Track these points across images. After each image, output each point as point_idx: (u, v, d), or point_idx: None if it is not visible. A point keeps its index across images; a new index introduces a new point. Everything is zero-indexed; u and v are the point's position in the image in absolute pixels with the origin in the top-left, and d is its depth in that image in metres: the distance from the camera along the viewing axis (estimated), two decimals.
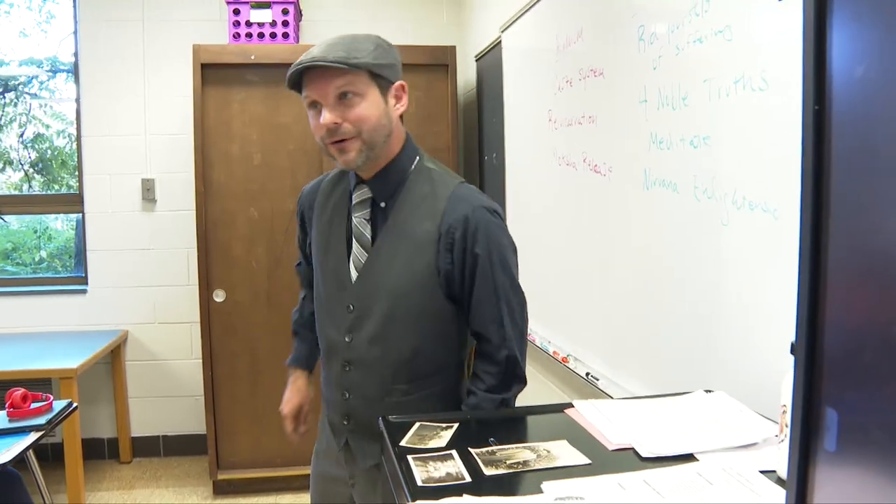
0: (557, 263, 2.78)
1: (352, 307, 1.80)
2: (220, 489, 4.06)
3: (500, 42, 3.49)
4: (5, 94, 4.95)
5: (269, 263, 3.99)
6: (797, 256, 0.67)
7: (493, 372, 1.76)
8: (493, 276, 1.74)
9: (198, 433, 4.49)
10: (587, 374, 2.40)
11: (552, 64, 2.74)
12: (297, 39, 4.19)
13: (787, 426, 1.06)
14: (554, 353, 2.75)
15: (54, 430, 2.95)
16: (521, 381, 1.82)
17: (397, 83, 1.75)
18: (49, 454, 4.44)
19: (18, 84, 4.92)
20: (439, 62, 3.97)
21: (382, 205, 1.79)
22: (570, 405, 1.44)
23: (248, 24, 4.06)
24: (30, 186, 4.99)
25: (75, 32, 4.55)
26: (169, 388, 4.63)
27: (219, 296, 3.98)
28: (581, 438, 1.28)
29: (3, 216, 4.79)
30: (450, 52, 3.97)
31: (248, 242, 3.98)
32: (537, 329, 3.03)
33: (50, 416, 2.78)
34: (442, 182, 1.79)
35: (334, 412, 1.90)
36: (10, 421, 2.75)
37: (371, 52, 1.66)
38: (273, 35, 4.07)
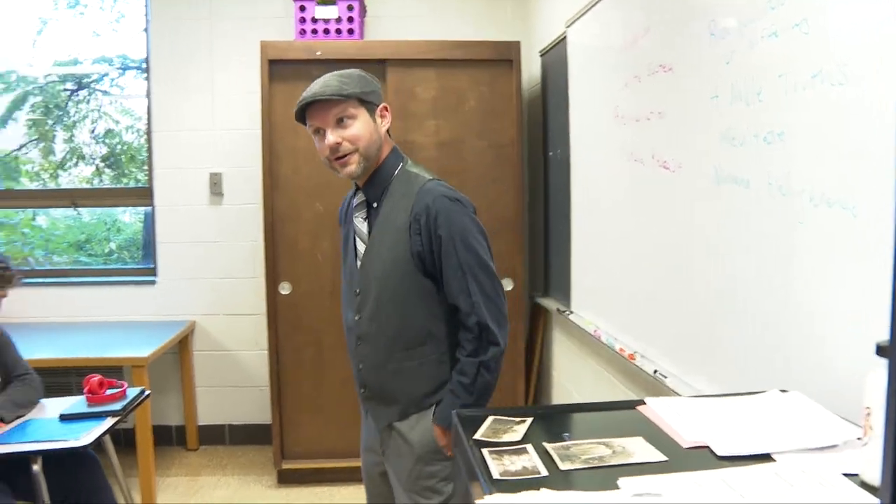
0: (624, 260, 2.77)
1: (358, 291, 2.20)
2: (284, 478, 4.13)
3: (565, 37, 3.48)
4: (78, 92, 5.11)
5: (334, 256, 4.04)
6: (882, 255, 0.66)
7: (469, 338, 2.09)
8: (457, 254, 2.07)
9: (262, 423, 4.58)
10: (655, 371, 2.39)
11: (619, 59, 2.73)
12: (361, 35, 4.23)
13: (871, 428, 1.04)
14: (620, 350, 2.73)
15: (127, 416, 3.05)
16: (496, 345, 2.09)
17: (381, 105, 2.16)
18: (122, 439, 4.56)
19: (91, 82, 5.06)
20: (503, 57, 3.97)
21: (374, 205, 2.18)
22: (642, 402, 1.44)
23: (314, 20, 4.11)
24: (100, 180, 5.13)
25: (147, 30, 4.67)
26: (235, 378, 4.73)
27: (284, 288, 4.04)
28: (655, 435, 1.28)
29: (77, 208, 4.93)
30: (514, 47, 3.97)
31: (313, 236, 4.04)
32: (603, 325, 3.03)
33: (125, 402, 2.87)
34: (416, 180, 2.15)
35: (356, 384, 2.29)
36: (88, 406, 2.85)
37: (357, 84, 2.08)
38: (338, 31, 4.12)
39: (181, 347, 4.62)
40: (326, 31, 4.12)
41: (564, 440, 1.25)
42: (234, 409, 4.75)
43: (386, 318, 2.15)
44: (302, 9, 4.11)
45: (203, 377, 4.73)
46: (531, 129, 4.38)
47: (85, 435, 2.59)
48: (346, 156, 2.08)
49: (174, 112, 4.63)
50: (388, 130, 2.19)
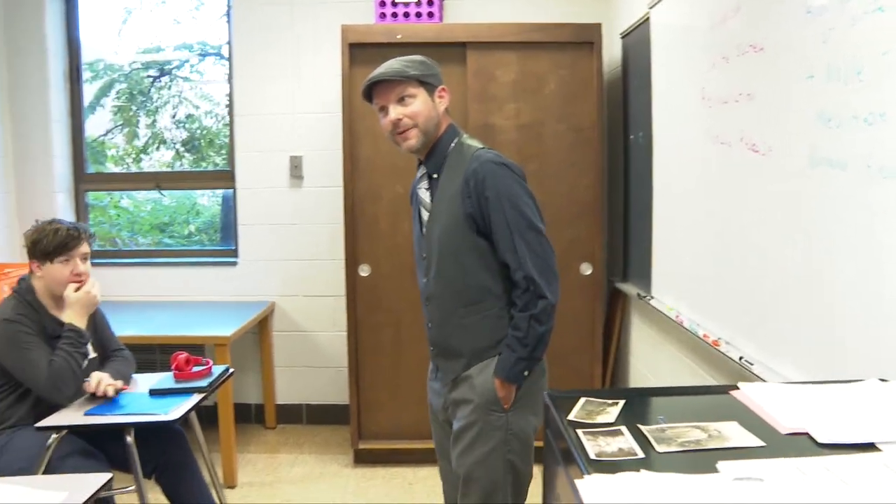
0: (707, 244, 2.72)
1: (424, 255, 2.41)
2: (361, 458, 4.19)
3: (647, 19, 3.42)
4: (161, 78, 5.24)
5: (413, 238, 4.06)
6: None
7: (519, 294, 2.25)
8: (504, 213, 2.23)
9: (340, 403, 4.65)
10: (740, 358, 2.34)
11: (706, 40, 2.67)
12: (441, 18, 4.23)
13: None
14: (704, 336, 2.69)
15: (213, 392, 3.13)
16: (544, 298, 2.24)
17: (440, 87, 2.35)
18: (204, 415, 4.68)
19: (172, 68, 5.18)
20: (584, 40, 3.92)
21: (435, 176, 2.37)
22: (735, 387, 1.41)
23: (394, 3, 4.13)
24: (181, 164, 5.26)
25: (228, 16, 4.75)
26: (313, 358, 4.81)
27: (364, 270, 4.08)
28: (751, 421, 1.25)
29: (161, 191, 5.07)
30: (595, 29, 3.92)
31: (393, 217, 4.06)
32: (685, 311, 2.98)
33: (210, 379, 2.94)
34: (468, 150, 2.33)
35: (428, 342, 2.50)
36: (176, 382, 2.92)
37: (418, 67, 2.29)
38: (419, 14, 4.13)
39: (261, 328, 4.71)
40: (406, 15, 4.14)
41: (659, 423, 1.23)
42: (312, 388, 4.83)
43: (448, 277, 2.34)
44: None
45: (282, 357, 4.82)
46: (611, 112, 4.32)
47: (173, 410, 2.66)
48: (406, 130, 2.29)
49: (255, 96, 4.70)
50: (446, 109, 2.38)
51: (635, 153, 3.78)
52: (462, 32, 3.97)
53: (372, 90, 2.31)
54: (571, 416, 1.29)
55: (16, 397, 2.81)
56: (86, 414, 2.66)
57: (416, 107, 2.28)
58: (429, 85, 2.31)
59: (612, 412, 1.30)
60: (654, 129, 3.38)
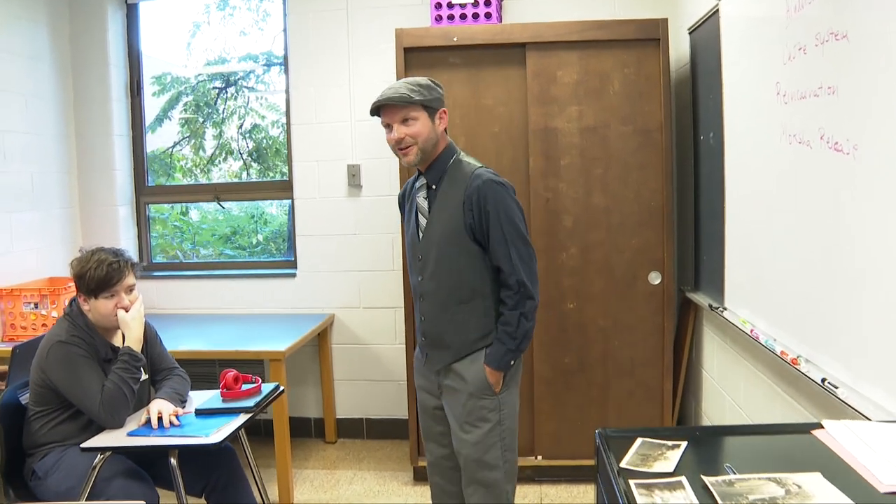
0: (786, 253, 2.50)
1: (420, 256, 2.73)
2: (421, 475, 4.04)
3: (716, 11, 3.20)
4: (227, 89, 5.21)
5: None
6: None
7: (510, 294, 2.61)
8: (501, 226, 2.59)
9: (400, 417, 4.52)
10: (823, 380, 2.12)
11: (781, 30, 2.45)
12: (499, 19, 4.07)
13: None
14: (782, 353, 2.46)
15: (267, 408, 3.06)
16: (531, 299, 2.62)
17: (440, 109, 2.66)
18: (262, 429, 4.63)
19: (238, 79, 5.16)
20: (649, 36, 3.71)
21: (433, 187, 2.70)
22: (819, 426, 1.21)
23: (450, 5, 3.99)
24: (248, 174, 5.23)
25: (284, 25, 4.68)
26: (373, 372, 4.69)
27: None
28: (839, 472, 1.06)
29: (221, 202, 5.03)
30: (661, 25, 3.70)
31: None
32: (761, 325, 2.75)
33: (258, 398, 2.85)
34: (468, 167, 2.67)
35: (419, 334, 2.83)
36: (223, 401, 2.84)
37: (422, 92, 2.59)
38: (475, 16, 3.98)
39: (320, 340, 4.62)
40: (463, 17, 3.99)
41: (727, 473, 1.05)
42: (372, 402, 4.72)
43: (444, 277, 2.67)
44: None
45: (342, 370, 4.72)
46: (680, 112, 4.09)
47: (215, 432, 2.58)
48: (407, 148, 2.61)
49: (313, 105, 4.62)
50: (444, 129, 2.69)
51: (706, 155, 3.55)
52: (521, 32, 3.80)
53: (380, 107, 2.61)
54: (624, 463, 1.12)
55: (67, 416, 2.79)
56: (129, 434, 2.62)
57: (418, 128, 2.59)
58: (430, 108, 2.62)
59: (672, 457, 1.12)
60: (725, 130, 3.16)
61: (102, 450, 2.56)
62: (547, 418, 3.96)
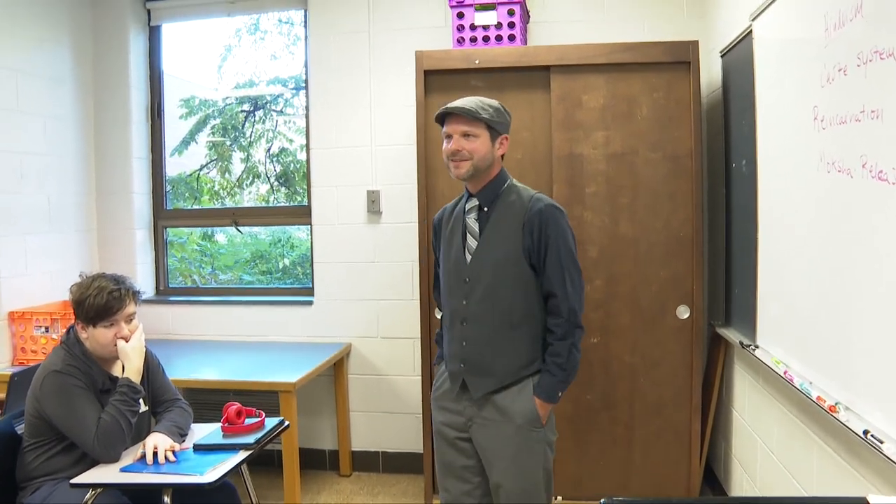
0: (823, 289, 2.32)
1: (467, 279, 2.65)
2: None
3: (749, 32, 3.05)
4: (255, 113, 5.15)
5: None
6: None
7: (559, 323, 2.57)
8: (559, 252, 2.57)
9: (416, 451, 4.37)
10: (865, 432, 1.94)
11: (819, 50, 2.29)
12: (524, 41, 3.95)
13: None
14: (818, 398, 2.28)
15: (279, 438, 2.98)
16: (580, 328, 2.60)
17: (503, 135, 2.65)
18: (274, 460, 4.50)
19: (266, 102, 5.09)
20: (680, 59, 3.56)
21: (485, 209, 2.67)
22: (865, 502, 1.05)
23: (473, 27, 3.87)
24: (275, 198, 5.15)
25: (305, 47, 4.60)
26: (389, 404, 4.54)
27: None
28: None
29: (239, 227, 4.94)
30: (692, 47, 3.55)
31: None
32: (796, 366, 2.57)
33: (260, 434, 2.73)
34: (524, 192, 2.67)
35: (453, 360, 2.69)
36: (223, 437, 2.72)
37: (492, 113, 2.58)
38: (499, 38, 3.86)
39: (336, 370, 4.48)
40: (486, 39, 3.87)
41: None
42: (389, 435, 4.56)
43: (496, 300, 2.60)
44: (460, 15, 3.88)
45: (358, 401, 4.58)
46: (711, 138, 3.93)
47: (211, 470, 2.45)
48: (462, 161, 2.58)
49: (333, 128, 4.52)
50: (502, 155, 2.67)
51: (738, 183, 3.38)
52: (545, 55, 3.67)
53: (445, 116, 2.60)
54: None
55: (61, 448, 2.67)
56: (122, 470, 2.51)
57: (477, 145, 2.57)
58: (494, 131, 2.60)
59: None
60: (759, 157, 2.99)
61: (93, 486, 2.45)
62: (568, 457, 3.77)
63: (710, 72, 3.83)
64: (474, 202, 2.68)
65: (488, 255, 2.62)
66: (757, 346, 3.03)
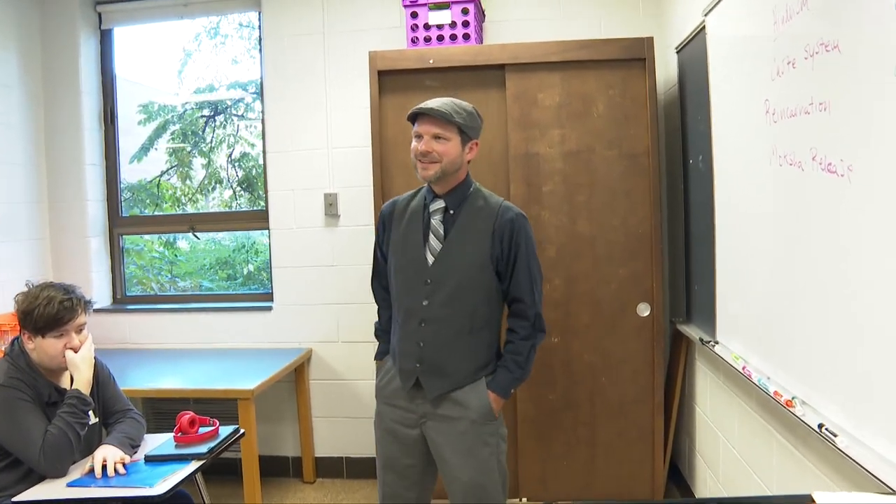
0: (778, 284, 2.31)
1: (429, 281, 2.61)
2: None
3: (703, 28, 3.05)
4: (216, 117, 5.07)
5: None
6: None
7: (525, 325, 2.63)
8: (528, 260, 2.62)
9: None
10: (820, 425, 1.93)
11: (769, 43, 2.29)
12: (479, 40, 3.92)
13: None
14: (775, 393, 2.27)
15: (238, 445, 2.95)
16: (543, 332, 2.67)
17: (473, 141, 2.63)
18: (236, 469, 4.41)
19: (227, 107, 5.02)
20: (635, 56, 3.55)
21: (451, 212, 2.65)
22: (810, 499, 1.02)
23: (427, 27, 3.84)
24: (238, 203, 5.08)
25: (260, 50, 4.54)
26: (352, 408, 4.48)
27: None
28: None
29: (196, 233, 4.86)
30: (647, 44, 3.54)
31: None
32: (754, 361, 2.57)
33: (212, 444, 2.66)
34: (491, 199, 2.69)
35: (407, 358, 2.66)
36: (176, 447, 2.66)
37: (465, 117, 2.56)
38: (453, 37, 3.82)
39: (297, 375, 4.42)
40: (441, 38, 3.84)
41: None
42: (352, 440, 4.50)
43: (461, 305, 2.59)
44: (414, 15, 3.84)
45: (320, 407, 4.52)
46: (669, 135, 3.93)
47: (161, 482, 2.38)
48: (431, 162, 2.55)
49: (288, 131, 4.46)
50: (469, 160, 2.65)
51: (696, 180, 3.38)
52: (500, 53, 3.65)
53: (418, 115, 2.58)
54: None
55: (5, 465, 2.56)
56: (69, 485, 2.42)
57: (447, 148, 2.55)
58: (465, 135, 2.58)
59: None
60: (714, 152, 2.99)
61: (37, 503, 2.35)
62: (531, 459, 3.75)
63: (667, 68, 3.83)
64: (440, 204, 2.65)
65: (454, 260, 2.60)
66: (717, 343, 3.03)
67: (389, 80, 3.70)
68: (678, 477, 3.97)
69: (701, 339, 3.20)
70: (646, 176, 3.60)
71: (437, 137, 2.53)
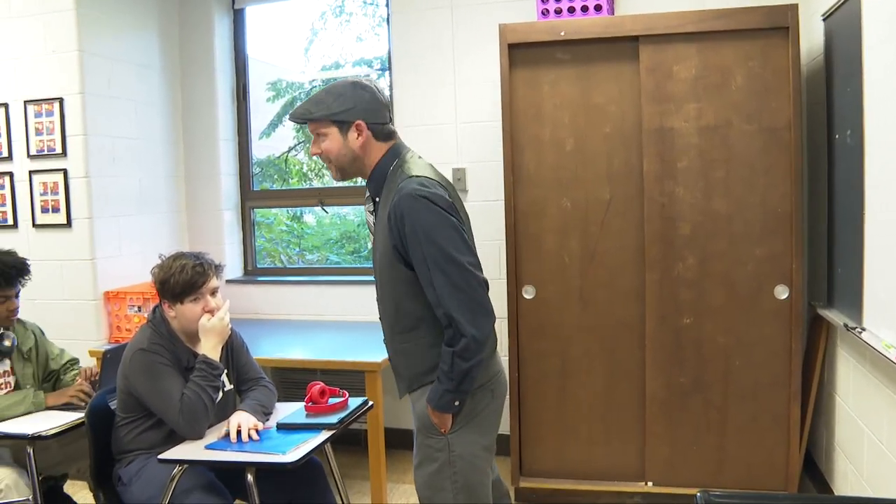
0: None
1: (375, 277, 2.45)
2: (522, 496, 3.82)
3: None
4: None
5: (583, 258, 3.66)
6: None
7: (445, 328, 2.23)
8: (421, 248, 2.20)
9: (503, 433, 4.30)
10: None
11: None
12: (611, 11, 3.81)
13: None
14: None
15: (364, 417, 2.98)
16: (465, 336, 2.18)
17: (355, 122, 2.32)
18: (361, 440, 4.51)
19: None
20: (777, 25, 3.36)
21: (377, 199, 2.42)
22: None
23: None
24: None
25: (388, 26, 4.57)
26: None
27: (528, 292, 3.74)
28: None
29: (324, 207, 4.95)
30: (790, 11, 3.35)
31: (559, 235, 3.69)
32: None
33: (343, 414, 2.71)
34: (400, 177, 2.30)
35: None
36: (307, 416, 2.72)
37: (327, 105, 2.32)
38: (584, 8, 3.74)
39: None
40: (572, 10, 3.75)
41: None
42: None
43: (387, 303, 2.40)
44: None
45: None
46: (811, 108, 3.72)
47: (293, 450, 2.45)
48: (328, 165, 2.42)
49: (416, 107, 4.48)
50: (378, 134, 2.36)
51: (841, 155, 3.19)
52: (633, 25, 3.53)
53: None
54: None
55: (151, 424, 2.74)
56: (206, 448, 2.54)
57: (327, 145, 2.36)
58: (341, 122, 2.34)
59: None
60: (866, 127, 2.81)
61: (178, 462, 2.49)
62: (659, 442, 3.66)
63: (811, 37, 3.62)
64: (367, 192, 2.49)
65: (375, 254, 2.43)
66: (864, 329, 2.86)
67: (519, 53, 3.64)
68: (813, 468, 3.80)
69: (846, 325, 3.03)
70: (787, 151, 3.42)
71: (316, 136, 2.38)
